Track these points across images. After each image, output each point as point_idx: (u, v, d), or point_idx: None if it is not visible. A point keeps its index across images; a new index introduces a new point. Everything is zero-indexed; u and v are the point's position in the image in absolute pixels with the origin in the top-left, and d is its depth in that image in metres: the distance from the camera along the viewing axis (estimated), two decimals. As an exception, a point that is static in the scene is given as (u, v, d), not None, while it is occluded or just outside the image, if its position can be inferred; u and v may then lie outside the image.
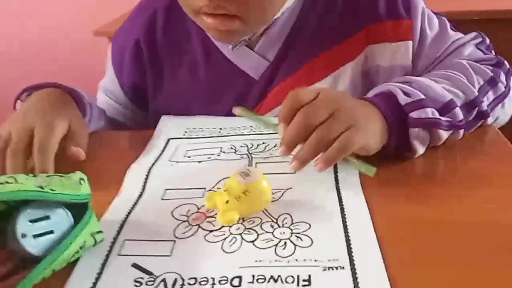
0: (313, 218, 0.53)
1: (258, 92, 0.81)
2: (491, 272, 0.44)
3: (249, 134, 0.75)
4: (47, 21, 2.36)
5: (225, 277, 0.45)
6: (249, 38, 0.79)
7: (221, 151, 0.69)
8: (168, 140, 0.75)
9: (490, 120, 0.71)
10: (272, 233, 0.51)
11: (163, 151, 0.71)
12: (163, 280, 0.45)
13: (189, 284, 0.44)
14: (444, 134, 0.64)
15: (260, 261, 0.47)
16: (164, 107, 0.86)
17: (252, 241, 0.50)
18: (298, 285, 0.43)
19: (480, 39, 0.81)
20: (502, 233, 0.49)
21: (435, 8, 0.83)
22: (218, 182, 0.61)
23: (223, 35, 0.73)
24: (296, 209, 0.54)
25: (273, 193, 0.56)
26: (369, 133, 0.60)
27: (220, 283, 0.44)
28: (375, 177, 0.58)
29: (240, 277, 0.44)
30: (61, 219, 0.47)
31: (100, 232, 0.50)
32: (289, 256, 0.47)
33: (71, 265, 0.47)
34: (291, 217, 0.53)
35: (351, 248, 0.48)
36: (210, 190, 0.59)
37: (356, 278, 0.44)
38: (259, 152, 0.69)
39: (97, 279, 0.46)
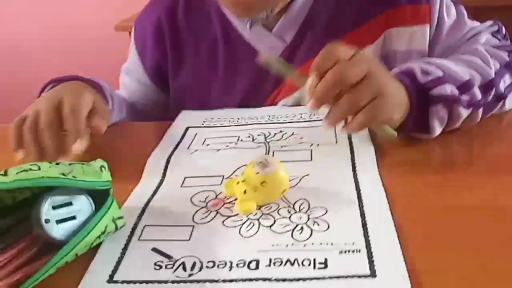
0: (330, 203, 0.53)
1: (275, 74, 0.81)
2: (508, 260, 0.44)
3: (266, 123, 0.75)
4: (68, 16, 2.40)
5: (243, 260, 0.45)
6: (267, 17, 0.79)
7: (239, 140, 0.70)
8: (187, 128, 0.76)
9: (507, 104, 0.71)
10: (289, 218, 0.51)
11: (182, 139, 0.72)
12: (182, 263, 0.46)
13: (207, 267, 0.45)
14: (464, 113, 0.64)
15: (277, 245, 0.47)
16: (184, 86, 0.88)
17: (269, 226, 0.50)
18: (314, 268, 0.44)
19: (496, 28, 0.81)
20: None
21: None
22: (236, 170, 0.61)
23: (241, 9, 0.74)
24: (313, 195, 0.55)
25: (290, 180, 0.57)
26: (396, 106, 0.61)
27: (237, 266, 0.45)
28: (393, 162, 0.59)
29: (257, 261, 0.45)
30: (83, 205, 0.49)
31: (121, 218, 0.51)
32: (305, 240, 0.48)
33: (93, 249, 0.49)
34: (308, 202, 0.54)
35: (367, 232, 0.48)
36: (228, 177, 0.60)
37: (373, 260, 0.44)
38: (276, 140, 0.69)
39: (118, 263, 0.47)
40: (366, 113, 0.58)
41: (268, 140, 0.69)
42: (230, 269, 0.45)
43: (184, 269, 0.45)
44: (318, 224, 0.50)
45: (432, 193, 0.55)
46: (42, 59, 2.46)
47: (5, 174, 0.46)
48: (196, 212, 0.54)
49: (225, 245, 0.48)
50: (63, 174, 0.48)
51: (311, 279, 0.43)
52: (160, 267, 0.46)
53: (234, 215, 0.53)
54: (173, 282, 0.44)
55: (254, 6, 0.74)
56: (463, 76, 0.65)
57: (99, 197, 0.50)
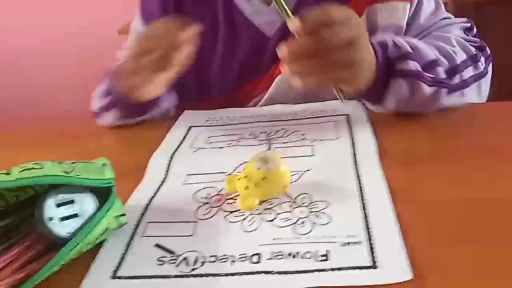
0: (331, 197, 0.53)
1: (272, 49, 0.81)
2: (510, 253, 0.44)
3: (269, 121, 0.76)
4: (71, 21, 2.41)
5: (245, 254, 0.46)
6: None
7: (241, 137, 0.71)
8: (190, 127, 0.76)
9: (468, 96, 0.73)
10: (291, 212, 0.52)
11: (184, 138, 0.73)
12: (185, 258, 0.46)
13: (210, 261, 0.45)
14: (426, 90, 0.67)
15: (279, 238, 0.48)
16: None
17: (271, 220, 0.51)
18: (316, 260, 0.44)
19: (468, 25, 0.83)
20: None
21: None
22: (238, 166, 0.62)
23: None
24: (314, 189, 0.55)
25: (291, 175, 0.57)
26: (364, 77, 0.64)
27: (239, 260, 0.45)
28: (394, 155, 0.59)
29: (259, 254, 0.46)
30: (86, 202, 0.49)
31: (123, 215, 0.52)
32: (307, 233, 0.48)
33: (97, 246, 0.49)
34: (309, 197, 0.54)
35: (369, 224, 0.48)
36: (230, 174, 0.61)
37: (374, 252, 0.44)
38: (278, 137, 0.70)
39: (122, 259, 0.47)
40: (335, 79, 0.62)
41: (270, 138, 0.70)
42: (232, 263, 0.45)
43: (187, 263, 0.46)
44: (320, 218, 0.50)
45: (433, 186, 0.55)
46: (45, 64, 2.47)
47: (8, 173, 0.46)
48: (198, 208, 0.54)
49: (227, 239, 0.49)
50: (66, 172, 0.48)
51: (312, 271, 0.43)
52: (163, 262, 0.46)
53: (236, 211, 0.53)
54: (176, 276, 0.44)
55: None
56: (430, 56, 0.69)
57: (103, 195, 0.51)
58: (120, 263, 0.47)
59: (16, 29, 2.45)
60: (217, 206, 0.54)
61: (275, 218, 0.51)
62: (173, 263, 0.46)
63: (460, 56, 0.72)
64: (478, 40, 0.80)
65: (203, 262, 0.45)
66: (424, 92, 0.67)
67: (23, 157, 0.64)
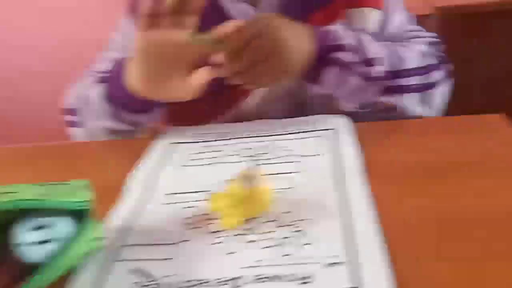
0: (315, 216, 0.52)
1: None
2: (495, 266, 0.43)
3: (253, 137, 0.74)
4: (68, 33, 2.38)
5: (225, 277, 0.44)
6: None
7: (225, 154, 0.69)
8: (172, 143, 0.75)
9: (410, 101, 0.76)
10: (273, 232, 0.50)
11: (166, 155, 0.71)
12: (163, 283, 0.45)
13: (189, 286, 0.44)
14: (356, 81, 0.71)
15: (260, 260, 0.46)
16: None
17: (253, 241, 0.49)
18: (298, 283, 0.43)
19: (435, 40, 0.85)
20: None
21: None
22: (222, 184, 0.60)
23: None
24: (298, 207, 0.54)
25: (276, 193, 0.56)
26: (297, 68, 0.68)
27: (220, 284, 0.44)
28: (379, 170, 0.59)
29: (240, 278, 0.44)
30: (61, 226, 0.47)
31: (101, 238, 0.50)
32: (289, 254, 0.46)
33: (72, 271, 0.47)
34: (292, 215, 0.53)
35: (353, 243, 0.47)
36: (213, 192, 0.59)
37: (358, 273, 0.43)
38: (263, 154, 0.68)
39: (98, 284, 0.46)
40: (270, 81, 0.68)
41: (254, 154, 0.68)
42: (213, 288, 0.43)
43: (165, 289, 0.44)
44: (303, 237, 0.49)
45: (420, 202, 0.53)
46: (46, 76, 2.44)
47: (-20, 198, 0.45)
48: (179, 230, 0.53)
49: (208, 262, 0.47)
50: (40, 195, 0.46)
51: (295, 295, 0.41)
52: (141, 287, 0.45)
53: (219, 231, 0.52)
54: (153, 302, 0.43)
55: None
56: (373, 53, 0.72)
57: (80, 216, 0.49)
58: (96, 289, 0.45)
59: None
60: (199, 227, 0.53)
61: (257, 238, 0.49)
62: (151, 288, 0.44)
63: (411, 64, 0.76)
64: (441, 54, 0.82)
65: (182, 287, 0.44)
66: (353, 83, 0.72)
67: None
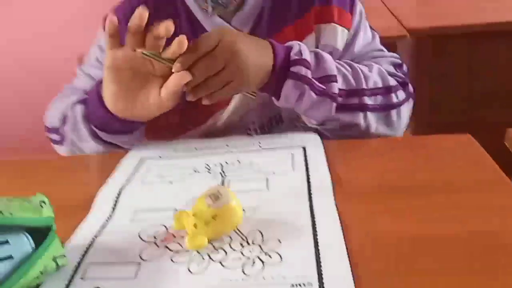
0: (283, 235, 0.51)
1: None
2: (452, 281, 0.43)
3: (225, 153, 0.74)
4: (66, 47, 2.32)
5: (190, 298, 0.43)
6: (225, 7, 0.81)
7: (194, 171, 0.68)
8: (141, 159, 0.73)
9: (372, 123, 0.77)
10: (241, 251, 0.49)
11: (135, 171, 0.70)
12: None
13: (152, 307, 0.43)
14: (313, 97, 0.72)
15: (228, 280, 0.45)
16: None
17: (220, 261, 0.48)
18: (265, 304, 0.42)
19: (399, 61, 0.87)
20: (478, 242, 0.49)
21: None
22: (189, 202, 0.59)
23: None
24: (267, 226, 0.53)
25: (244, 211, 0.55)
26: (256, 81, 0.70)
27: (184, 305, 0.43)
28: (348, 188, 0.59)
29: (205, 298, 0.43)
30: (20, 243, 0.46)
31: (63, 256, 0.48)
32: (257, 274, 0.46)
33: (32, 291, 0.46)
34: (261, 234, 0.52)
35: (320, 264, 0.46)
36: (178, 211, 0.58)
37: (325, 294, 0.42)
38: (233, 169, 0.68)
39: (58, 304, 0.44)
40: (228, 93, 0.68)
41: (224, 170, 0.68)
42: (176, 308, 0.42)
43: (127, 309, 0.43)
44: (271, 257, 0.48)
45: (388, 222, 0.53)
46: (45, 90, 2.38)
47: None
48: (144, 248, 0.51)
49: (173, 282, 0.46)
50: (-1, 211, 0.45)
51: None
52: (102, 308, 0.43)
53: (184, 251, 0.51)
54: (114, 324, 0.41)
55: None
56: (332, 71, 0.74)
57: (42, 234, 0.47)
58: (56, 309, 0.44)
59: None
60: (164, 246, 0.52)
61: (224, 258, 0.49)
62: (113, 308, 0.43)
63: (372, 83, 0.77)
64: (403, 76, 0.83)
65: (145, 308, 0.43)
66: (310, 98, 0.72)
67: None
